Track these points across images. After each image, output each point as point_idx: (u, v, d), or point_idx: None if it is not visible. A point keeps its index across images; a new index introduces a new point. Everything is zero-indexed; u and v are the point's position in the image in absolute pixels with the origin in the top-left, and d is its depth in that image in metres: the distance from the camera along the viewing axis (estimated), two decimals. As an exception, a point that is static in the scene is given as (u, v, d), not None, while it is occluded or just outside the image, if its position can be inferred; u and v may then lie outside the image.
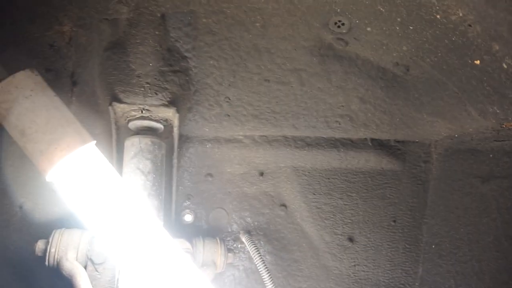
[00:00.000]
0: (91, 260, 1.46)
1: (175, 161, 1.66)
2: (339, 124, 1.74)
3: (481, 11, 1.00)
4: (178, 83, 1.55)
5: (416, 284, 2.00)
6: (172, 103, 1.53)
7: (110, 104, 1.48)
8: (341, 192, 1.92)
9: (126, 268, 1.35)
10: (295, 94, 1.67)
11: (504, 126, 1.32)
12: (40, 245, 1.43)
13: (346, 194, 1.92)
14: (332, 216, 1.93)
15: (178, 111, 1.53)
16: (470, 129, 1.44)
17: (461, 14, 1.05)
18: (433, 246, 1.92)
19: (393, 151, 1.91)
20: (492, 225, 1.53)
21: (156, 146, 1.50)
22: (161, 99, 1.50)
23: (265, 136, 1.80)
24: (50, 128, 1.09)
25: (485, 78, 1.17)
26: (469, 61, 1.17)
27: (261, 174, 1.89)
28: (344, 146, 1.84)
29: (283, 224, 1.93)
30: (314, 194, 1.90)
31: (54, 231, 1.46)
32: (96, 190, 1.20)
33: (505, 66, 1.08)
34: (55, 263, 1.41)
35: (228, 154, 1.82)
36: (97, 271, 1.46)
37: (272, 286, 1.65)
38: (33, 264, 1.53)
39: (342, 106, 1.69)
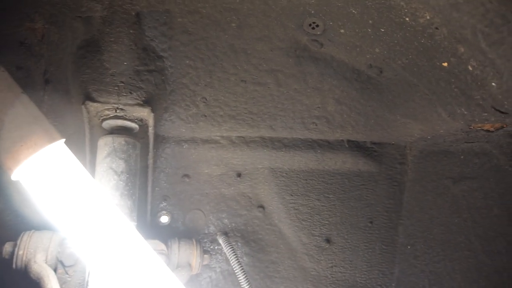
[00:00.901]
0: (61, 262, 1.42)
1: (150, 161, 1.64)
2: (316, 125, 1.75)
3: (446, 14, 1.02)
4: (154, 82, 1.53)
5: (393, 284, 2.02)
6: (147, 102, 1.51)
7: (83, 103, 1.46)
8: (319, 193, 1.93)
9: (96, 270, 1.32)
10: (272, 95, 1.67)
11: (472, 128, 1.35)
12: (7, 247, 1.39)
13: (324, 195, 1.94)
14: (309, 218, 1.93)
15: (153, 110, 1.51)
16: (441, 131, 1.47)
17: (428, 17, 1.08)
18: (409, 247, 1.95)
19: (370, 152, 1.93)
20: (463, 225, 1.57)
21: (130, 146, 1.48)
22: (135, 99, 1.49)
23: (243, 137, 1.80)
24: (16, 125, 1.06)
25: (452, 80, 1.20)
26: (438, 63, 1.20)
27: (239, 175, 1.88)
28: (321, 147, 1.85)
29: (261, 225, 1.93)
30: (292, 195, 1.91)
31: (22, 233, 1.43)
32: (65, 189, 1.18)
33: (470, 68, 1.11)
34: (23, 265, 1.37)
35: (205, 155, 1.81)
36: (67, 273, 1.43)
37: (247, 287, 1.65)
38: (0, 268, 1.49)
39: (319, 107, 1.70)
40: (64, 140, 1.18)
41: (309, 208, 1.93)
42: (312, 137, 1.82)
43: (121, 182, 1.43)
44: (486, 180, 1.45)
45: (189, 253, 1.67)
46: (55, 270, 1.41)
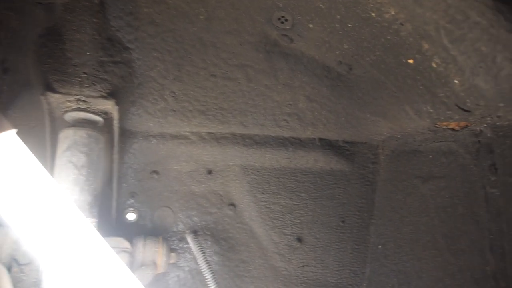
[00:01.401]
0: (16, 260, 1.36)
1: (115, 156, 1.59)
2: (287, 122, 1.73)
3: (410, 10, 1.01)
4: (119, 74, 1.49)
5: (364, 284, 2.01)
6: (111, 95, 1.46)
7: (42, 94, 1.40)
8: (290, 191, 1.91)
9: (50, 269, 1.26)
10: (243, 91, 1.64)
11: (437, 126, 1.35)
12: (-43, 244, 1.32)
13: (295, 194, 1.92)
14: (281, 216, 1.91)
15: (118, 103, 1.46)
16: (409, 129, 1.47)
17: (393, 12, 1.07)
18: (380, 246, 1.95)
19: (342, 151, 1.93)
20: (430, 224, 1.57)
21: (92, 139, 1.43)
22: (99, 90, 1.44)
23: (213, 133, 1.76)
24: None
25: (418, 77, 1.19)
26: (404, 60, 1.19)
27: (209, 172, 1.85)
28: (292, 145, 1.83)
29: (231, 224, 1.89)
30: (263, 193, 1.88)
31: (-25, 229, 1.36)
32: (16, 183, 1.12)
33: (434, 65, 1.10)
34: (-26, 263, 1.30)
35: (174, 151, 1.77)
36: (22, 272, 1.36)
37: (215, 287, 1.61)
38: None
39: (290, 104, 1.68)
40: (15, 130, 1.12)
41: (281, 206, 1.91)
42: (284, 135, 1.80)
43: (81, 177, 1.38)
44: (452, 179, 1.46)
45: (155, 251, 1.62)
46: (9, 269, 1.35)
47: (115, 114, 1.48)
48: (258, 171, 1.87)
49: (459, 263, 1.40)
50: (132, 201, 1.79)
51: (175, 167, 1.81)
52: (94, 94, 1.43)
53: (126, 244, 1.57)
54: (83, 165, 1.38)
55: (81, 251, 1.20)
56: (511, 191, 1.13)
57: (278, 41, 1.52)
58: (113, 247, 1.54)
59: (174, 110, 1.64)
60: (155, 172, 1.79)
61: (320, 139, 1.85)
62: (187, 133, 1.74)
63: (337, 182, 1.96)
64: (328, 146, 1.88)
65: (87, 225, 1.28)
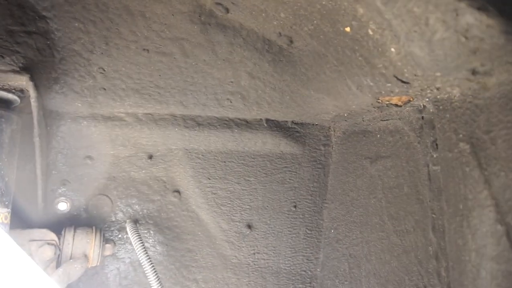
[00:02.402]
0: None
1: (36, 139, 1.42)
2: (231, 102, 1.62)
3: (341, -32, 0.92)
4: (35, 47, 1.32)
5: (318, 270, 1.96)
6: (26, 69, 1.30)
7: None
8: (238, 176, 1.81)
9: None
10: (180, 67, 1.52)
11: (380, 101, 1.28)
12: None
13: (244, 179, 1.82)
14: (229, 202, 1.81)
15: (33, 79, 1.30)
16: (353, 106, 1.39)
17: (324, -27, 0.97)
18: (332, 231, 1.89)
19: (291, 133, 1.84)
20: (378, 206, 1.51)
21: (2, 120, 1.27)
22: (9, 64, 1.27)
23: (150, 114, 1.63)
24: None
25: (356, 48, 1.11)
26: (341, 29, 1.10)
27: (150, 157, 1.72)
28: (238, 127, 1.73)
29: (176, 211, 1.78)
30: (209, 178, 1.78)
31: None
32: None
33: (370, 32, 1.02)
34: None
35: (108, 134, 1.62)
36: None
37: (155, 279, 1.49)
38: None
39: (232, 82, 1.57)
40: None
41: (229, 192, 1.81)
42: (228, 115, 1.69)
43: (-12, 161, 1.22)
44: (398, 158, 1.40)
45: (86, 243, 1.49)
46: None
47: (31, 91, 1.32)
48: (203, 155, 1.76)
49: (404, 244, 1.35)
50: (64, 189, 1.64)
51: (111, 152, 1.66)
52: (3, 68, 1.26)
53: (51, 235, 1.42)
54: (-10, 148, 1.22)
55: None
56: (450, 167, 1.08)
57: (213, 11, 1.40)
58: (35, 240, 1.40)
59: (105, 89, 1.49)
60: (89, 157, 1.64)
61: (267, 120, 1.75)
62: (122, 114, 1.60)
63: (288, 165, 1.88)
64: (276, 127, 1.79)
65: (-9, 215, 1.13)
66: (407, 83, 1.08)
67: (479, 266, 0.96)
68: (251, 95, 1.60)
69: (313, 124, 1.87)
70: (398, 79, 1.08)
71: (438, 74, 0.98)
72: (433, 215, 1.23)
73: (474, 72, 0.91)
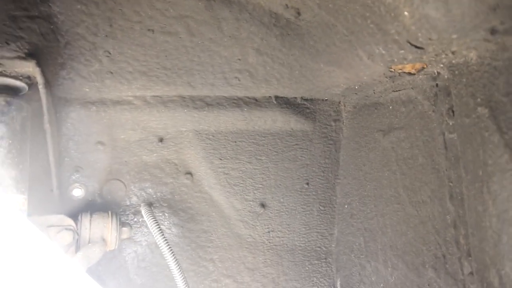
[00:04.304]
0: None
1: (47, 126, 1.42)
2: (239, 80, 1.60)
3: None
4: (39, 31, 1.31)
5: (333, 245, 1.97)
6: (31, 55, 1.29)
7: None
8: (250, 155, 1.80)
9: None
10: (186, 47, 1.49)
11: (392, 70, 1.25)
12: None
13: (255, 158, 1.81)
14: (241, 182, 1.81)
15: (40, 65, 1.29)
16: (365, 77, 1.36)
17: None
18: (346, 206, 1.89)
19: (301, 110, 1.82)
20: (392, 178, 1.50)
21: (12, 107, 1.27)
22: (15, 50, 1.26)
23: (159, 97, 1.62)
24: None
25: (367, 14, 1.07)
26: (351, -5, 1.07)
27: (161, 140, 1.71)
28: (247, 105, 1.71)
29: (189, 193, 1.79)
30: (221, 159, 1.77)
31: None
32: None
33: (382, -4, 0.98)
34: None
35: (118, 119, 1.62)
36: None
37: (172, 260, 1.51)
38: None
39: (239, 59, 1.54)
40: None
41: (241, 172, 1.80)
42: (237, 94, 1.67)
43: (2, 149, 1.23)
44: (412, 129, 1.38)
45: (103, 227, 1.51)
46: None
47: (38, 77, 1.31)
48: (213, 136, 1.75)
49: (421, 215, 1.34)
50: (78, 175, 1.65)
51: (122, 137, 1.66)
52: (8, 54, 1.25)
53: (68, 221, 1.44)
54: (2, 136, 1.22)
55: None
56: (468, 133, 1.05)
57: (217, -14, 1.36)
58: (53, 226, 1.42)
59: (112, 72, 1.48)
60: (100, 143, 1.64)
61: (276, 97, 1.73)
62: (130, 98, 1.59)
63: (299, 142, 1.86)
64: (286, 104, 1.77)
65: (9, 202, 1.14)
66: (421, 48, 1.04)
67: (501, 231, 0.95)
68: (260, 72, 1.58)
69: (323, 100, 1.85)
70: (411, 44, 1.05)
71: (455, 36, 0.94)
72: (450, 184, 1.21)
73: (493, 31, 0.87)
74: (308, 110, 1.83)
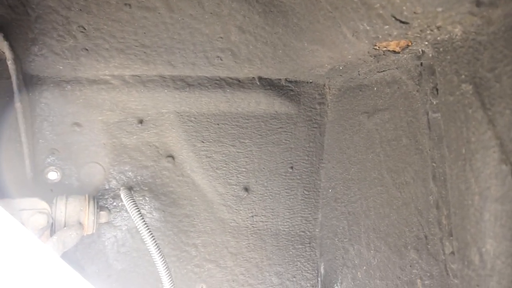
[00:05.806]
0: None
1: (18, 105, 1.36)
2: (221, 60, 1.55)
3: None
4: (7, 3, 1.23)
5: (316, 230, 1.96)
6: (-1, 29, 1.21)
7: None
8: (233, 138, 1.76)
9: None
10: (165, 23, 1.43)
11: (377, 48, 1.22)
12: None
13: (239, 141, 1.78)
14: (224, 165, 1.78)
15: (8, 39, 1.22)
16: (349, 56, 1.33)
17: None
18: (330, 190, 1.87)
19: (285, 92, 1.78)
20: (376, 160, 1.48)
21: (-22, 84, 1.20)
22: (-20, 23, 1.18)
23: (138, 76, 1.56)
24: None
25: (351, -12, 1.03)
26: (335, -32, 1.02)
27: (140, 121, 1.66)
28: (230, 86, 1.66)
29: (171, 177, 1.74)
30: (203, 142, 1.73)
31: None
32: None
33: (367, -33, 0.94)
34: None
35: (95, 99, 1.56)
36: None
37: (153, 244, 1.47)
38: None
39: (221, 37, 1.49)
40: None
41: (224, 155, 1.77)
42: (219, 75, 1.62)
43: (-33, 128, 1.16)
44: (396, 110, 1.36)
45: (79, 210, 1.45)
46: None
47: (7, 52, 1.24)
48: (195, 118, 1.70)
49: (404, 196, 1.33)
50: (53, 158, 1.59)
51: (100, 118, 1.60)
52: (-27, 27, 1.17)
53: (42, 204, 1.38)
54: (-33, 113, 1.16)
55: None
56: (452, 111, 1.03)
57: (198, -42, 1.30)
58: (25, 209, 1.36)
59: (87, 49, 1.41)
60: (77, 124, 1.58)
61: (260, 78, 1.68)
62: (107, 77, 1.53)
63: (283, 126, 1.83)
64: (270, 86, 1.73)
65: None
66: (406, 23, 1.01)
67: (483, 209, 0.94)
68: (242, 51, 1.53)
69: (307, 82, 1.81)
70: (396, 19, 1.02)
71: (440, 9, 0.91)
72: (433, 164, 1.20)
73: (478, 3, 0.85)
74: (292, 93, 1.80)
